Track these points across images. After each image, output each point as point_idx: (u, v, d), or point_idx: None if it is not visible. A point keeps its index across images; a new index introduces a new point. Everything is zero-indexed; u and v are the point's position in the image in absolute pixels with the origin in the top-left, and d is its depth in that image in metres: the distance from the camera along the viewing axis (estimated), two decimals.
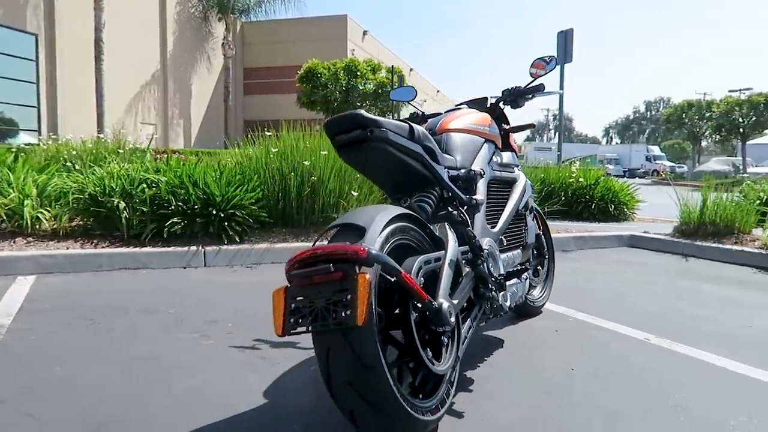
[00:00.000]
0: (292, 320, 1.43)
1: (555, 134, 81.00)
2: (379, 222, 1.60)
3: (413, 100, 3.07)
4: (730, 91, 32.73)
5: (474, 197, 2.22)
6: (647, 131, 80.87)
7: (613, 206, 7.46)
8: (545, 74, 2.79)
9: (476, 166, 2.34)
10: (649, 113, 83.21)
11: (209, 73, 29.36)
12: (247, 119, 30.57)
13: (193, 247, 4.37)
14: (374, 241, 1.54)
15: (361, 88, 20.53)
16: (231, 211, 4.58)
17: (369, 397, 1.44)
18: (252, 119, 28.84)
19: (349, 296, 1.38)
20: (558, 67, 8.54)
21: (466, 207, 2.19)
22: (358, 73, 20.69)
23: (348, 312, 1.36)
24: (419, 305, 1.64)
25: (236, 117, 30.06)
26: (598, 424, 1.82)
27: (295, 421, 1.80)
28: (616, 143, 79.39)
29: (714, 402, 2.01)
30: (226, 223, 4.56)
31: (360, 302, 1.36)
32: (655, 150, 42.05)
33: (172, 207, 4.51)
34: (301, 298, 1.44)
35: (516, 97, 2.71)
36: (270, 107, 30.35)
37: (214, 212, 4.53)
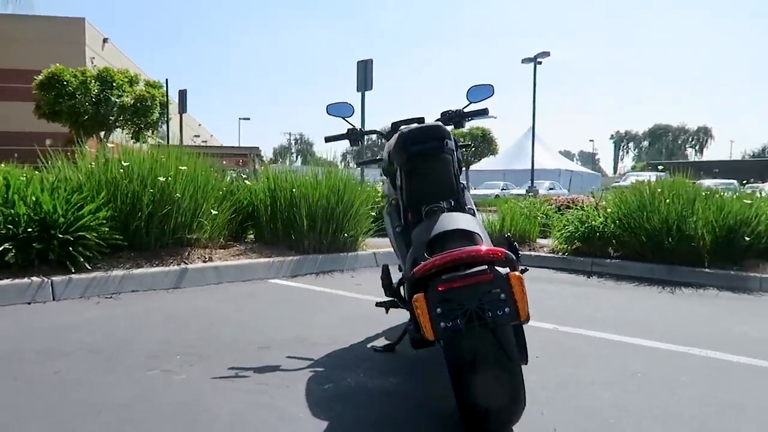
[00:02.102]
0: (442, 324, 1.47)
1: (297, 157, 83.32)
2: (479, 227, 1.73)
3: (350, 116, 3.15)
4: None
5: (469, 207, 2.45)
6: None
7: None
8: (482, 100, 3.07)
9: (462, 180, 2.57)
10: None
11: None
12: None
13: (36, 278, 3.64)
14: (489, 244, 1.67)
15: (116, 100, 18.61)
16: (79, 233, 3.93)
17: (509, 387, 1.55)
18: None
19: (503, 295, 1.48)
20: (360, 94, 9.20)
21: None
22: (114, 84, 18.74)
23: (506, 309, 1.47)
24: None
25: None
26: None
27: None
28: None
29: (626, 361, 2.56)
30: (71, 248, 3.89)
31: (518, 299, 1.47)
32: None
33: None
34: (448, 301, 1.49)
35: (460, 118, 2.97)
36: None
37: (57, 235, 3.83)
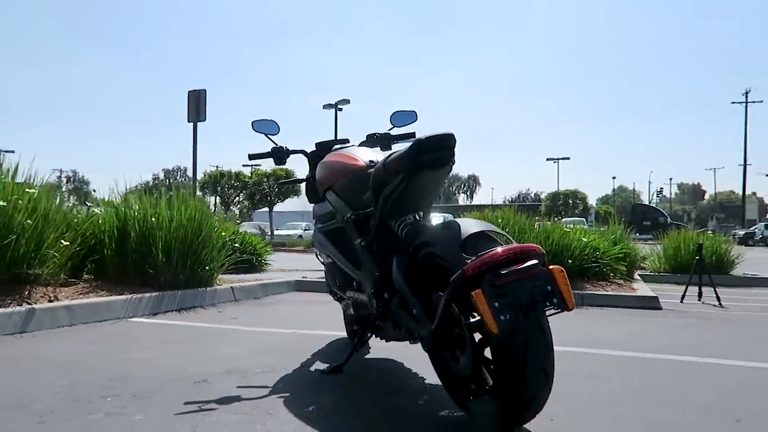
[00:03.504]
0: (502, 317, 1.56)
1: (69, 197, 74.30)
2: (498, 228, 1.87)
3: (275, 135, 3.08)
4: (243, 165, 38.09)
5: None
6: None
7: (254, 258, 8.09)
8: (406, 125, 3.19)
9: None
10: (168, 180, 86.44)
11: None
12: None
13: None
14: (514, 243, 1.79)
15: None
16: None
17: (550, 376, 1.69)
18: None
19: (549, 287, 1.63)
20: (195, 125, 8.67)
21: None
22: None
23: (554, 300, 1.62)
24: None
25: None
26: None
27: None
28: None
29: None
30: None
31: (564, 289, 1.63)
32: None
33: None
34: (504, 295, 1.59)
35: (387, 141, 3.07)
36: None
37: None
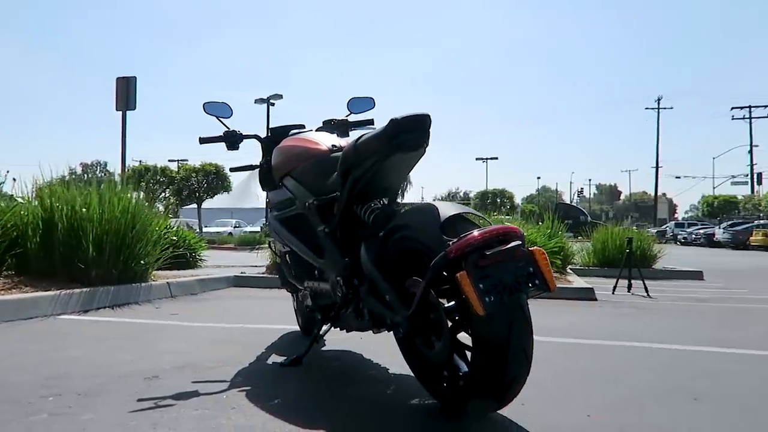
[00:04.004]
0: (487, 299, 1.53)
1: None
2: (474, 211, 1.83)
3: (228, 118, 2.96)
4: (170, 160, 36.69)
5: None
6: None
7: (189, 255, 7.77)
8: (363, 112, 3.12)
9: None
10: (86, 175, 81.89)
11: None
12: None
13: None
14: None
15: None
16: None
17: (530, 357, 1.67)
18: None
19: (531, 268, 1.61)
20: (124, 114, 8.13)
21: None
22: None
23: (537, 281, 1.60)
24: None
25: None
26: None
27: None
28: None
29: None
30: None
31: (545, 270, 1.61)
32: None
33: None
34: (488, 277, 1.56)
35: (345, 128, 2.99)
36: None
37: None
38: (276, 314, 4.11)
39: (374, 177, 2.07)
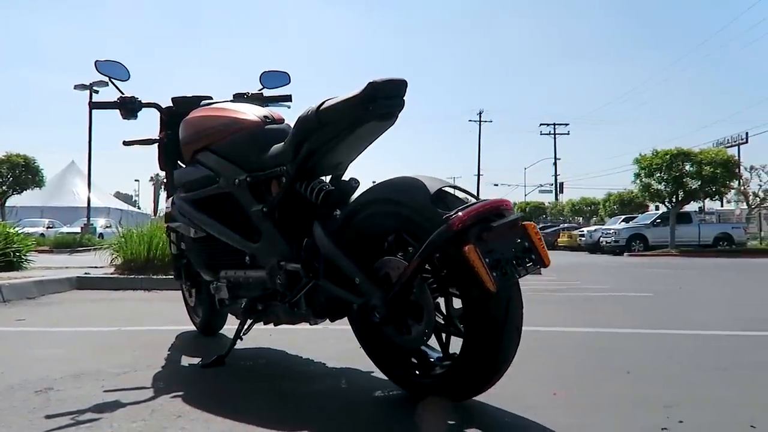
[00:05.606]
0: (495, 274, 1.45)
1: None
2: (452, 183, 1.72)
3: (124, 81, 2.57)
4: None
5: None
6: None
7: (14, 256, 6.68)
8: (278, 87, 2.86)
9: None
10: None
11: None
12: None
13: None
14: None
15: None
16: None
17: (520, 337, 1.62)
18: None
19: (526, 243, 1.54)
20: None
21: None
22: None
23: (533, 256, 1.55)
24: None
25: None
26: None
27: None
28: None
29: None
30: None
31: (539, 245, 1.55)
32: None
33: None
34: (492, 251, 1.47)
35: (260, 103, 2.69)
36: None
37: None
38: (152, 315, 3.66)
39: (335, 147, 1.87)
